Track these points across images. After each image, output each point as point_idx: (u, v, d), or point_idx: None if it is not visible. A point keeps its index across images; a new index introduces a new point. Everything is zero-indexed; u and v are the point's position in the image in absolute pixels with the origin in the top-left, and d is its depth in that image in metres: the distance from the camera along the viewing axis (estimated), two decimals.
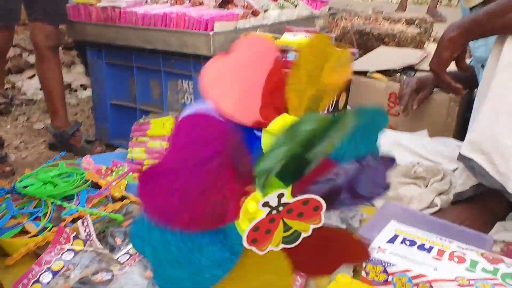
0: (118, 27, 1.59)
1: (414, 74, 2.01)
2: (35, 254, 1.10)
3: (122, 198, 1.28)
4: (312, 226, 0.49)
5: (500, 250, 1.24)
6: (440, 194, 1.40)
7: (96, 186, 1.34)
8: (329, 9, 2.91)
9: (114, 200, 1.29)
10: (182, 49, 1.50)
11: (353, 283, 0.96)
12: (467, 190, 1.31)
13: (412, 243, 1.00)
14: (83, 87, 2.63)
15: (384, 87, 1.90)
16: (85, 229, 1.13)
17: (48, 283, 1.02)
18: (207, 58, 1.49)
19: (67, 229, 1.10)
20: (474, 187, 1.29)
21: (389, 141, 1.62)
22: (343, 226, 1.27)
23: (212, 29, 1.42)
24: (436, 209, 1.36)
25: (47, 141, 1.87)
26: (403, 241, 1.00)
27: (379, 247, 0.98)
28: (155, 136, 1.59)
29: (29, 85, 2.46)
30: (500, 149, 1.21)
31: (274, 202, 0.43)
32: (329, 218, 1.28)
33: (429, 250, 0.97)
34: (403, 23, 2.67)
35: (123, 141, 1.82)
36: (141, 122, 1.66)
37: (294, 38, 1.39)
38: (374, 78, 1.92)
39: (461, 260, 0.94)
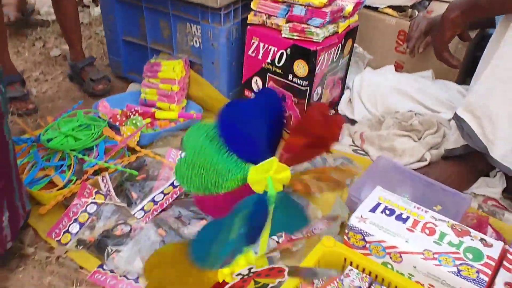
0: None
1: (428, 4, 1.98)
2: (63, 205, 1.27)
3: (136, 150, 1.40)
4: (278, 280, 0.61)
5: (478, 207, 1.37)
6: (431, 148, 1.49)
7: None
8: None
9: (130, 149, 1.42)
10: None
11: (336, 245, 1.11)
12: (458, 148, 1.40)
13: (392, 212, 1.12)
14: (95, 3, 2.62)
15: (394, 23, 1.88)
16: (105, 185, 1.28)
17: (76, 233, 1.20)
18: (214, 9, 1.50)
19: (89, 185, 1.25)
20: (465, 146, 1.38)
21: (390, 85, 1.67)
22: None
23: None
24: (425, 163, 1.46)
25: (67, 72, 1.95)
26: (384, 210, 1.12)
27: (361, 216, 1.11)
28: (165, 78, 1.66)
29: (42, 2, 2.46)
30: (490, 116, 1.29)
31: (245, 272, 0.55)
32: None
33: (405, 220, 1.10)
34: None
35: (136, 75, 1.90)
36: (152, 62, 1.73)
37: None
38: (385, 13, 1.89)
39: (432, 232, 1.07)
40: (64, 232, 1.20)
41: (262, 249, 0.64)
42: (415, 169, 1.46)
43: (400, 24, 1.87)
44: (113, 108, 1.63)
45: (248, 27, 1.50)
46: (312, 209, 1.31)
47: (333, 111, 1.77)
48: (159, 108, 1.68)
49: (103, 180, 1.28)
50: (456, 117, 1.36)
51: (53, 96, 1.84)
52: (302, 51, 1.41)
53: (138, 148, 1.37)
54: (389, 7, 1.88)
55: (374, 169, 1.39)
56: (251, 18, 1.50)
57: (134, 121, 1.50)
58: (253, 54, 1.52)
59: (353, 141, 1.62)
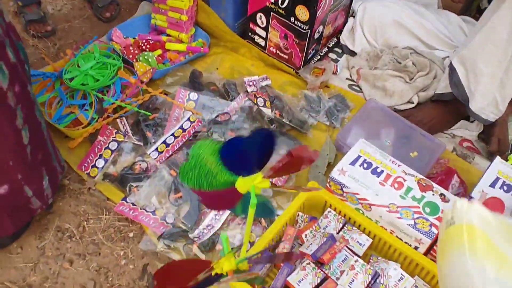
0: None
1: None
2: (88, 140, 1.48)
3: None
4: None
5: (452, 149, 1.54)
6: (421, 90, 1.61)
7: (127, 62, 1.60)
8: None
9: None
10: None
11: (321, 190, 1.32)
12: (447, 94, 1.52)
13: (369, 165, 1.31)
14: None
15: None
16: (123, 127, 1.46)
17: (102, 167, 1.43)
18: None
19: (110, 127, 1.44)
20: (452, 93, 1.49)
21: (392, 18, 1.71)
22: (327, 124, 1.56)
23: None
24: (412, 106, 1.60)
25: None
26: (362, 163, 1.31)
27: (342, 169, 1.30)
28: (174, 6, 1.72)
29: None
30: (475, 71, 1.39)
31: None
32: (317, 112, 1.56)
33: (379, 174, 1.29)
34: None
35: None
36: None
37: None
38: None
39: (400, 186, 1.27)
40: (92, 167, 1.42)
41: (243, 253, 0.84)
42: (402, 110, 1.60)
43: None
44: (125, 38, 1.73)
45: None
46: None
47: (335, 39, 1.83)
48: (169, 35, 1.77)
49: (121, 122, 1.46)
50: (450, 66, 1.46)
51: (68, 15, 1.92)
52: None
53: (150, 89, 1.52)
54: None
55: (362, 113, 1.54)
56: None
57: (146, 57, 1.62)
58: None
59: (350, 75, 1.73)
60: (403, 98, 1.59)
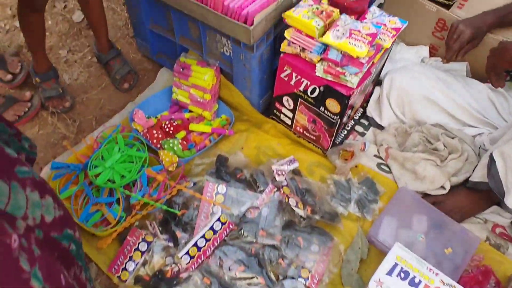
0: None
1: None
2: (117, 239, 1.45)
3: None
4: None
5: (486, 238, 1.52)
6: (452, 174, 1.57)
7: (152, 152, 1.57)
8: None
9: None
10: (221, 29, 1.43)
11: None
12: (482, 184, 1.48)
13: (406, 275, 1.29)
14: None
15: (435, 10, 1.77)
16: (152, 228, 1.44)
17: (133, 270, 1.41)
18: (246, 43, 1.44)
19: (138, 229, 1.42)
20: (487, 183, 1.46)
21: (420, 93, 1.66)
22: (358, 214, 1.53)
23: (252, 23, 1.33)
24: (444, 192, 1.56)
25: (94, 53, 1.93)
26: (399, 273, 1.29)
27: (379, 280, 1.28)
28: (196, 84, 1.67)
29: None
30: None
31: None
32: (348, 201, 1.54)
33: (417, 285, 1.27)
34: None
35: (165, 57, 1.88)
36: (182, 62, 1.71)
37: (337, 40, 1.31)
38: None
39: None
40: (122, 269, 1.40)
41: None
42: (434, 195, 1.57)
43: (440, 12, 1.76)
44: (148, 118, 1.69)
45: (282, 54, 1.46)
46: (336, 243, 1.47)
47: (361, 110, 1.79)
48: (191, 111, 1.73)
49: (150, 224, 1.44)
50: (490, 157, 1.42)
51: (85, 86, 1.87)
52: (336, 93, 1.41)
53: (178, 186, 1.49)
54: None
55: (393, 204, 1.51)
56: (284, 47, 1.45)
57: (171, 145, 1.58)
58: (286, 79, 1.51)
59: (378, 151, 1.69)
60: (434, 183, 1.56)
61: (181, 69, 1.70)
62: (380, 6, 2.15)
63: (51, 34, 2.01)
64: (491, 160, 1.42)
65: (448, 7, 1.76)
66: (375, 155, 1.69)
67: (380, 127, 1.75)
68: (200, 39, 1.64)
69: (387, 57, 1.68)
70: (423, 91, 1.67)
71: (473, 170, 1.55)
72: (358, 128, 1.77)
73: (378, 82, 1.78)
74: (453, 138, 1.63)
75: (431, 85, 1.68)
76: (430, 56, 1.91)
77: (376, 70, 1.59)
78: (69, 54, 1.96)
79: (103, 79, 1.90)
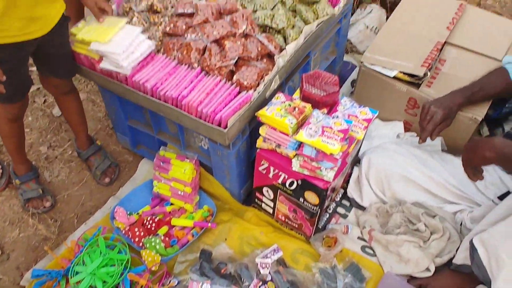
0: (126, 88, 1.49)
1: None
2: None
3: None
4: None
5: None
6: (436, 256, 1.57)
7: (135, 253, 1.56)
8: None
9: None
10: (197, 130, 1.46)
11: None
12: (465, 267, 1.48)
13: None
14: None
15: (405, 90, 1.83)
16: None
17: None
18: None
19: None
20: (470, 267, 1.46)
21: (398, 172, 1.68)
22: None
23: (226, 126, 1.36)
24: (429, 274, 1.56)
25: (74, 146, 1.95)
26: None
27: None
28: (177, 178, 1.68)
29: None
30: (498, 260, 1.36)
31: None
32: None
33: None
34: None
35: (145, 149, 1.90)
36: (161, 156, 1.73)
37: (310, 138, 1.34)
38: (396, 79, 1.82)
39: None
40: None
41: None
42: (419, 278, 1.56)
43: (410, 92, 1.82)
44: (129, 215, 1.68)
45: (258, 150, 1.49)
46: None
47: (342, 190, 1.81)
48: (173, 204, 1.73)
49: None
50: (471, 245, 1.42)
51: (66, 182, 1.87)
52: (313, 187, 1.43)
53: None
54: (400, 72, 1.81)
55: None
56: (260, 143, 1.47)
57: (153, 244, 1.57)
58: (264, 172, 1.53)
59: (361, 233, 1.69)
60: (419, 266, 1.56)
61: (161, 163, 1.72)
62: (353, 82, 2.22)
63: (31, 130, 2.03)
64: (472, 247, 1.42)
65: (417, 86, 1.82)
66: (358, 237, 1.69)
67: (362, 208, 1.76)
68: (178, 134, 1.67)
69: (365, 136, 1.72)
70: (400, 170, 1.69)
71: (456, 250, 1.56)
72: (340, 210, 1.77)
73: (356, 160, 1.81)
74: (434, 216, 1.64)
75: (408, 163, 1.71)
76: (405, 131, 1.95)
77: (353, 155, 1.62)
78: (50, 150, 1.97)
79: (84, 174, 1.90)
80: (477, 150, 1.31)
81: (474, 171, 1.39)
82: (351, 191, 1.78)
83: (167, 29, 1.60)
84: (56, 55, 1.52)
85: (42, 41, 1.42)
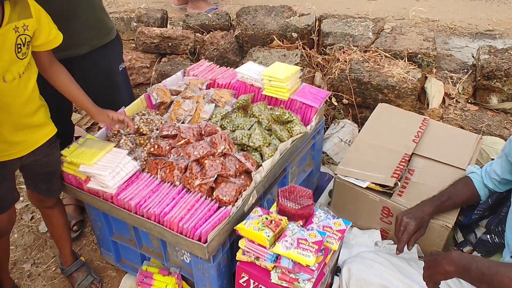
0: (112, 206, 1.59)
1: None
2: None
3: None
4: None
5: None
6: None
7: None
8: (327, 34, 2.73)
9: None
10: (178, 245, 1.53)
11: None
12: None
13: None
14: None
15: (378, 200, 1.93)
16: None
17: None
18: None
19: None
20: None
21: (378, 282, 1.71)
22: None
23: (206, 240, 1.44)
24: None
25: (59, 266, 1.97)
26: None
27: None
28: None
29: None
30: None
31: None
32: None
33: None
34: (404, 60, 2.51)
35: (129, 264, 1.93)
36: (144, 271, 1.75)
37: (286, 250, 1.42)
38: (369, 189, 1.93)
39: None
40: None
41: None
42: None
43: (383, 201, 1.92)
44: None
45: (238, 263, 1.53)
46: None
47: None
48: None
49: None
50: None
51: None
52: None
53: None
54: (372, 182, 1.92)
55: None
56: (239, 255, 1.53)
57: None
58: (244, 284, 1.55)
59: None
60: None
61: (143, 278, 1.74)
62: (330, 192, 2.33)
63: (16, 247, 2.06)
64: None
65: (389, 195, 1.92)
66: None
67: None
68: (160, 248, 1.71)
69: (340, 246, 1.77)
70: (379, 279, 1.72)
71: None
72: None
73: (336, 269, 1.84)
74: None
75: (387, 272, 1.74)
76: (382, 238, 2.01)
77: (331, 265, 1.66)
78: (33, 267, 1.98)
79: None
80: (437, 265, 1.37)
81: (434, 286, 1.44)
82: None
83: (152, 149, 1.73)
84: (40, 173, 1.62)
85: (27, 159, 1.52)
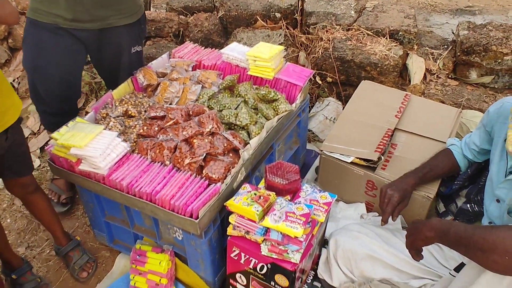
0: (104, 187, 1.62)
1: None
2: None
3: None
4: None
5: None
6: None
7: None
8: (310, 13, 2.76)
9: None
10: (170, 222, 1.57)
11: None
12: None
13: None
14: None
15: (363, 174, 1.99)
16: None
17: None
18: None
19: None
20: None
21: (364, 252, 1.79)
22: None
23: (197, 216, 1.48)
24: None
25: (53, 246, 2.00)
26: None
27: None
28: (153, 270, 1.74)
29: None
30: None
31: None
32: None
33: None
34: (386, 37, 2.56)
35: (122, 244, 1.97)
36: (137, 249, 1.80)
37: (275, 223, 1.47)
38: (354, 164, 1.99)
39: None
40: None
41: None
42: None
43: (367, 175, 1.98)
44: None
45: (229, 238, 1.59)
46: None
47: (313, 272, 1.89)
48: None
49: None
50: None
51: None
52: (282, 269, 1.51)
53: None
54: (357, 157, 1.99)
55: None
56: (230, 230, 1.58)
57: None
58: (236, 258, 1.61)
59: None
60: None
61: (137, 256, 1.78)
62: (317, 168, 2.39)
63: (9, 232, 2.09)
64: None
65: (373, 169, 1.99)
66: None
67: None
68: (153, 226, 1.76)
69: (327, 219, 1.83)
70: (366, 249, 1.80)
71: None
72: None
73: (324, 242, 1.91)
74: None
75: (372, 242, 1.82)
76: (367, 211, 2.09)
77: (318, 237, 1.73)
78: (28, 250, 2.02)
79: (61, 273, 1.94)
80: (418, 232, 1.44)
81: (416, 252, 1.51)
82: (321, 272, 1.86)
83: (141, 131, 1.76)
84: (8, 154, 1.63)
85: None
